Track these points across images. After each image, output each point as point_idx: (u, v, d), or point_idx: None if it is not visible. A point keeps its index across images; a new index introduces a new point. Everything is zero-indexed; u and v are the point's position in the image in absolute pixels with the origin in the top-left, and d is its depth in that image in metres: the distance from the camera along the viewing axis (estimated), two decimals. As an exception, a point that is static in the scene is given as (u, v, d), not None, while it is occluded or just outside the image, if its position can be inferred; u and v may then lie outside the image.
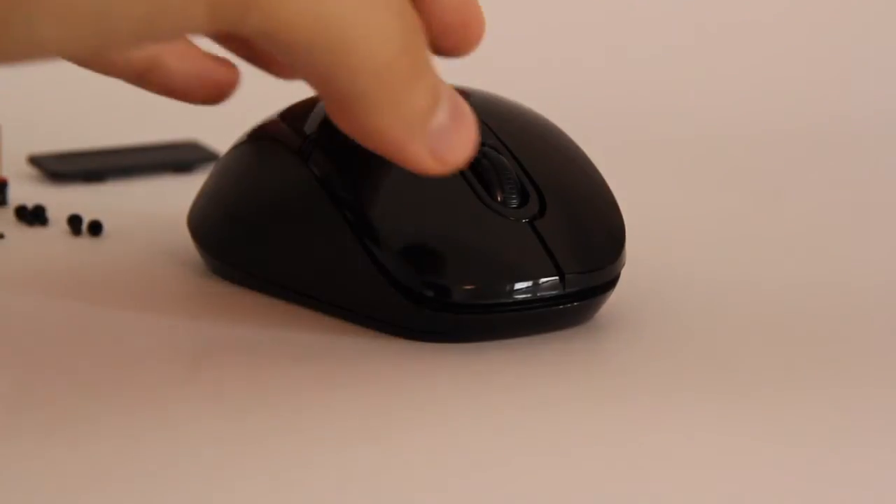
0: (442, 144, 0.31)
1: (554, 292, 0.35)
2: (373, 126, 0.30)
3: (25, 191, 0.50)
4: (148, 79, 0.36)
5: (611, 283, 0.36)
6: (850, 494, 0.28)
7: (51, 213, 0.46)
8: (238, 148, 0.40)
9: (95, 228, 0.45)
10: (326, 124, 0.38)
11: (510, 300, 0.35)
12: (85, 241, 0.44)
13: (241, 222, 0.39)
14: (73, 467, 0.28)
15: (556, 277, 0.35)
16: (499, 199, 0.36)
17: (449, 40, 0.34)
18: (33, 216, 0.46)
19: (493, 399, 0.32)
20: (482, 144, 0.36)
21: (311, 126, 0.38)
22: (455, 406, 0.32)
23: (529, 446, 0.30)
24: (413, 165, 0.31)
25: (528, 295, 0.35)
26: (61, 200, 0.48)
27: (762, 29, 0.74)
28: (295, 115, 0.38)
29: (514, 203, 0.36)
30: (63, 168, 0.53)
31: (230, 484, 0.28)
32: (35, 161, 0.53)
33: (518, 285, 0.35)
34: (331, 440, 0.30)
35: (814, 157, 0.61)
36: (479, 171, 0.36)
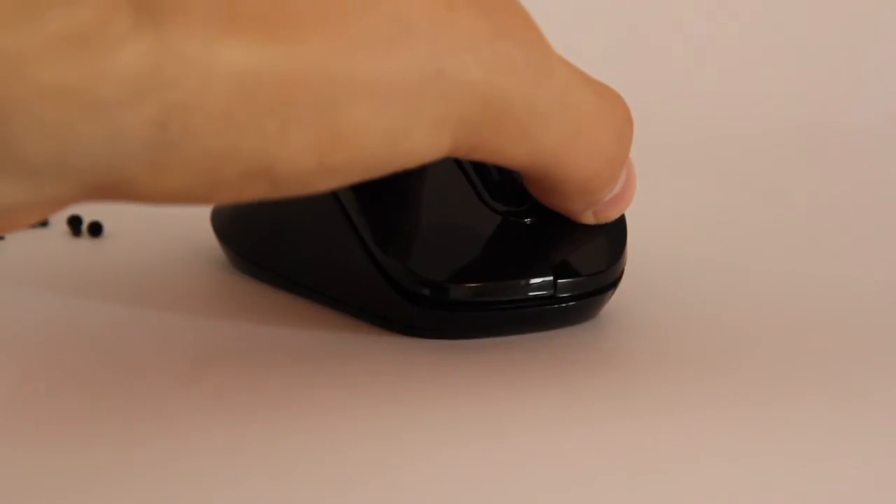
0: (605, 209, 0.36)
1: (549, 292, 0.35)
2: (561, 205, 0.35)
3: (25, 191, 0.50)
4: None
5: (610, 285, 0.36)
6: (851, 494, 0.28)
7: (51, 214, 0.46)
8: None
9: (95, 229, 0.45)
10: None
11: (505, 299, 0.35)
12: (85, 242, 0.44)
13: (251, 215, 0.40)
14: (74, 466, 0.28)
15: (550, 278, 0.35)
16: (500, 198, 0.36)
17: None
18: (33, 216, 0.46)
19: (490, 395, 0.32)
20: None
21: None
22: (452, 404, 0.32)
23: (526, 443, 0.30)
24: (573, 218, 0.36)
25: (522, 294, 0.35)
26: (61, 201, 0.48)
27: (763, 29, 0.74)
28: None
29: (516, 203, 0.36)
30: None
31: (232, 481, 0.28)
32: (35, 161, 0.53)
33: (512, 284, 0.35)
34: (328, 438, 0.30)
35: (814, 156, 0.61)
36: (481, 170, 0.36)
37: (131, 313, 0.37)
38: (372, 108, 0.27)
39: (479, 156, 0.31)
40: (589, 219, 0.36)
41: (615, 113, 0.33)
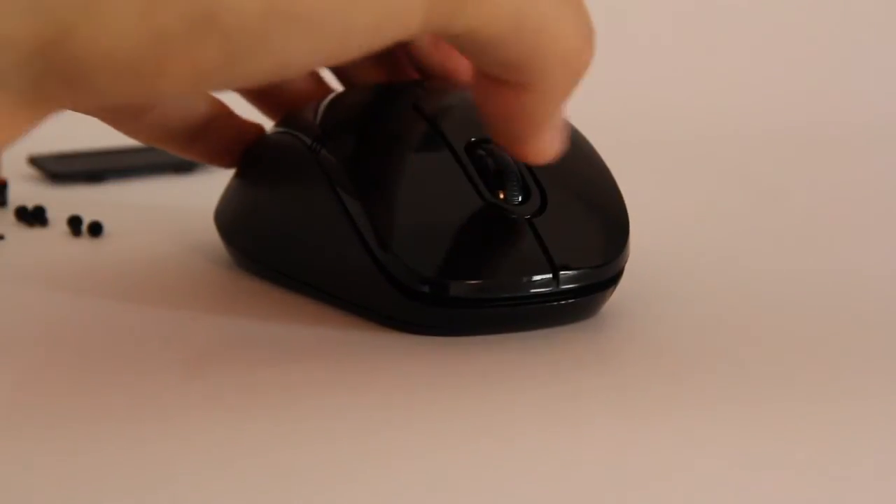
0: (553, 138, 0.33)
1: (548, 289, 0.35)
2: (534, 107, 0.32)
3: (25, 191, 0.50)
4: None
5: (610, 281, 0.36)
6: (851, 494, 0.28)
7: (51, 214, 0.46)
8: (265, 138, 0.40)
9: (95, 229, 0.45)
10: (341, 118, 0.38)
11: (504, 296, 0.35)
12: (85, 242, 0.44)
13: (254, 214, 0.40)
14: (74, 466, 0.28)
15: (550, 275, 0.35)
16: (501, 195, 0.36)
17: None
18: (33, 217, 0.46)
19: (490, 393, 0.32)
20: (487, 141, 0.36)
21: (327, 119, 0.38)
22: (452, 402, 0.32)
23: (526, 441, 0.30)
24: (537, 148, 0.33)
25: (522, 291, 0.35)
26: (61, 201, 0.48)
27: (763, 28, 0.74)
28: (320, 107, 0.38)
29: (516, 200, 0.36)
30: (63, 168, 0.53)
31: (232, 479, 0.28)
32: (35, 161, 0.53)
33: (512, 281, 0.35)
34: (329, 435, 0.30)
35: (814, 156, 0.61)
36: (481, 167, 0.36)
37: (132, 312, 0.37)
38: None
39: (463, 20, 0.28)
40: (548, 146, 0.33)
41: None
